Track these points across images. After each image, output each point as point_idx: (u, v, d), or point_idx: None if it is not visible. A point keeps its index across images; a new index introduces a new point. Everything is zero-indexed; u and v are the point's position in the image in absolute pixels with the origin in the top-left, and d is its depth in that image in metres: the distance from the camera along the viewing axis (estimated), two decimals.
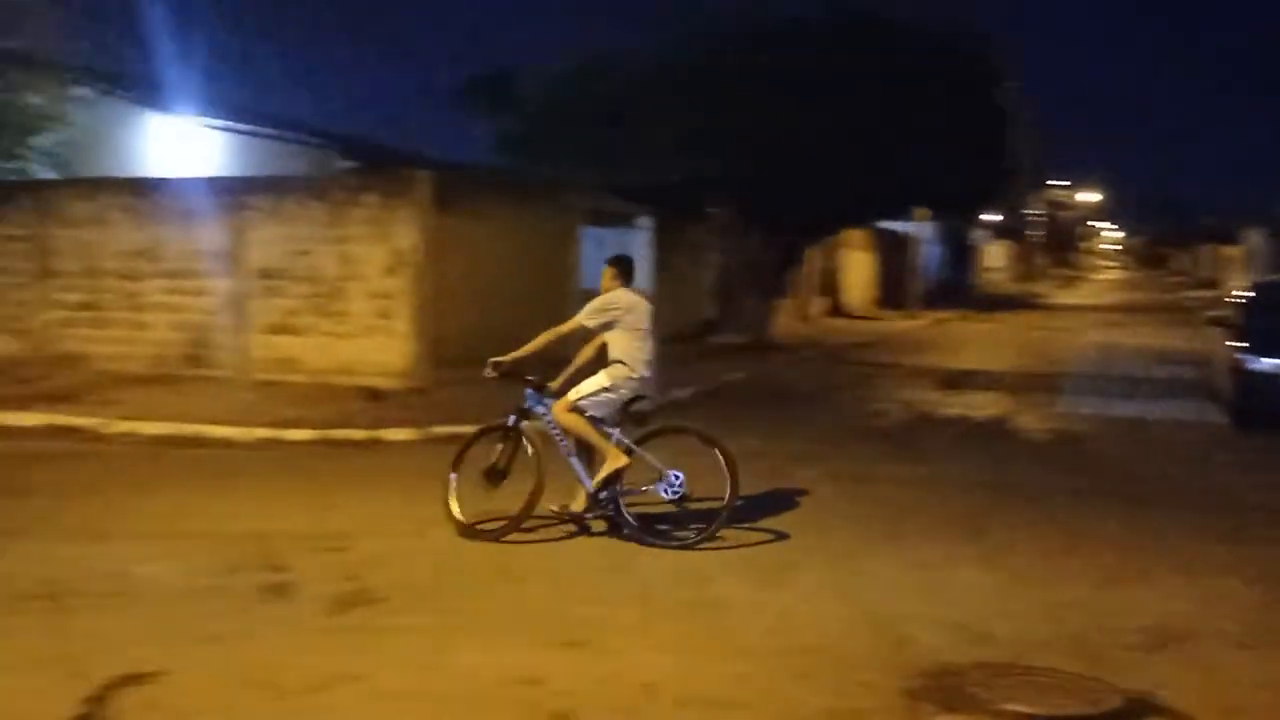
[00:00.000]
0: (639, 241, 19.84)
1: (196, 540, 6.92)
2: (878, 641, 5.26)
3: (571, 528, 7.23)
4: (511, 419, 7.28)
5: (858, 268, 32.75)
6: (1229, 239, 55.16)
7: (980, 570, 6.47)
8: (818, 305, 28.96)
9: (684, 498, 6.98)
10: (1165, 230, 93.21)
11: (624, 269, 7.74)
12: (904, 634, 5.35)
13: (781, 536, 7.21)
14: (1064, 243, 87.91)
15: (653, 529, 7.05)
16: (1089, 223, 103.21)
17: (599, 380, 7.21)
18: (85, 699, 4.44)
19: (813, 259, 27.23)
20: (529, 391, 7.32)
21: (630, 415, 7.24)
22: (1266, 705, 4.54)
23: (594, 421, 7.13)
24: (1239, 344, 12.21)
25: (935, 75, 17.63)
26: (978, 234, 48.90)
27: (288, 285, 13.83)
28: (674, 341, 20.16)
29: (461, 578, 6.27)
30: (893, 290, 33.82)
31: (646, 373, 7.25)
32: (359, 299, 13.55)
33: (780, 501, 8.23)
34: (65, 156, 16.40)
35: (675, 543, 6.89)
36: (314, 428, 10.60)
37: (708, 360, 17.47)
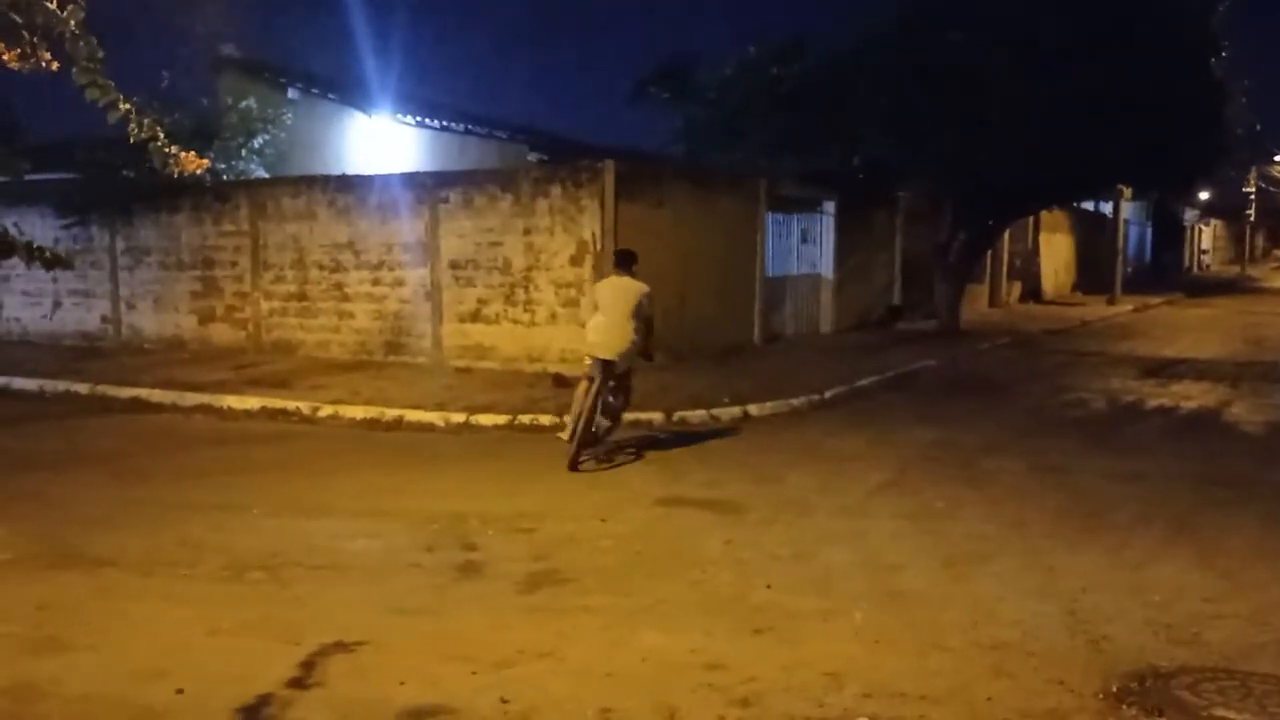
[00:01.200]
0: (823, 227, 19.59)
1: (398, 518, 7.30)
2: (1076, 640, 5.04)
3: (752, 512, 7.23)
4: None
5: (1055, 251, 31.30)
6: None
7: (1188, 569, 6.11)
8: (1012, 291, 27.87)
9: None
10: None
11: (618, 259, 9.55)
12: (1105, 633, 5.10)
13: (973, 528, 7.00)
14: None
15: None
16: None
17: None
18: (298, 663, 4.76)
19: (1007, 242, 26.22)
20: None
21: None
22: None
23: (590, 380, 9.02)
24: None
25: (1148, 44, 16.54)
26: (1189, 214, 45.88)
27: (479, 275, 14.38)
28: (859, 329, 19.87)
29: (645, 561, 6.37)
30: (1093, 274, 32.15)
31: (593, 338, 9.05)
32: (546, 288, 13.93)
33: (971, 492, 7.99)
34: (276, 155, 17.53)
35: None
36: (504, 413, 10.96)
37: (894, 347, 17.09)
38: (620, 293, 9.07)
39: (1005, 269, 27.24)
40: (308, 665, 4.75)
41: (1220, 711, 4.19)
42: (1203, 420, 11.44)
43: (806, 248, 19.35)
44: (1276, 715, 4.18)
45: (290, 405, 11.60)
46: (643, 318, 9.12)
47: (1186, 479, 8.45)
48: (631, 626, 5.25)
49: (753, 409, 11.42)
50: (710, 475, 8.59)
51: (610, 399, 9.19)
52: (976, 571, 6.11)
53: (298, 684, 4.57)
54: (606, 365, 8.97)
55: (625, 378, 9.35)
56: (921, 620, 5.33)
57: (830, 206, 19.54)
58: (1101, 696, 4.39)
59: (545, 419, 10.75)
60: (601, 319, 9.04)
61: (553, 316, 13.91)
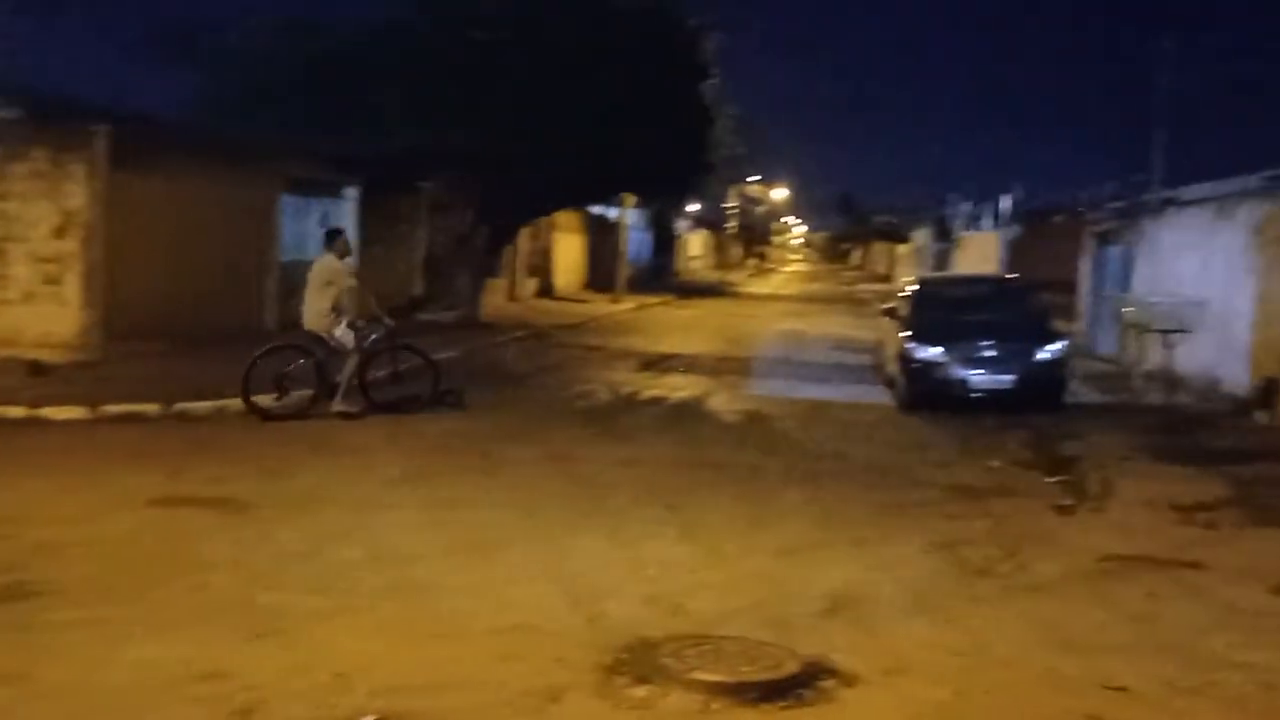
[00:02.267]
0: (344, 212, 19.11)
1: None
2: (577, 618, 5.34)
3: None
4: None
5: (568, 250, 33.20)
6: (901, 238, 60.51)
7: (675, 545, 6.73)
8: (528, 286, 29.11)
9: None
10: (846, 227, 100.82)
11: (325, 237, 11.33)
12: (603, 610, 5.46)
13: (487, 516, 7.18)
14: (757, 235, 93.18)
15: None
16: (780, 218, 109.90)
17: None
18: None
19: (524, 240, 27.31)
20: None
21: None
22: (926, 662, 4.98)
23: None
24: (905, 334, 13.40)
25: (648, 65, 18.05)
26: (680, 223, 50.80)
27: None
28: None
29: (137, 567, 5.79)
30: (600, 274, 34.54)
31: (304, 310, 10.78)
32: (21, 263, 12.22)
33: (487, 480, 8.20)
34: None
35: None
36: None
37: (414, 338, 17.08)
38: (317, 269, 10.77)
39: (524, 265, 28.40)
40: None
41: (698, 674, 4.64)
42: (689, 409, 12.72)
43: None
44: (744, 671, 4.71)
45: None
46: (334, 291, 10.56)
47: (674, 463, 9.33)
48: (118, 640, 4.74)
49: (262, 400, 10.82)
50: (215, 471, 8.03)
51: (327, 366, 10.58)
52: (489, 559, 6.27)
53: None
54: (312, 335, 10.58)
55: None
56: (434, 611, 5.35)
57: (353, 192, 19.14)
58: (597, 669, 4.67)
59: (17, 411, 9.43)
60: (305, 293, 10.78)
61: (30, 295, 12.23)
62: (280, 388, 10.42)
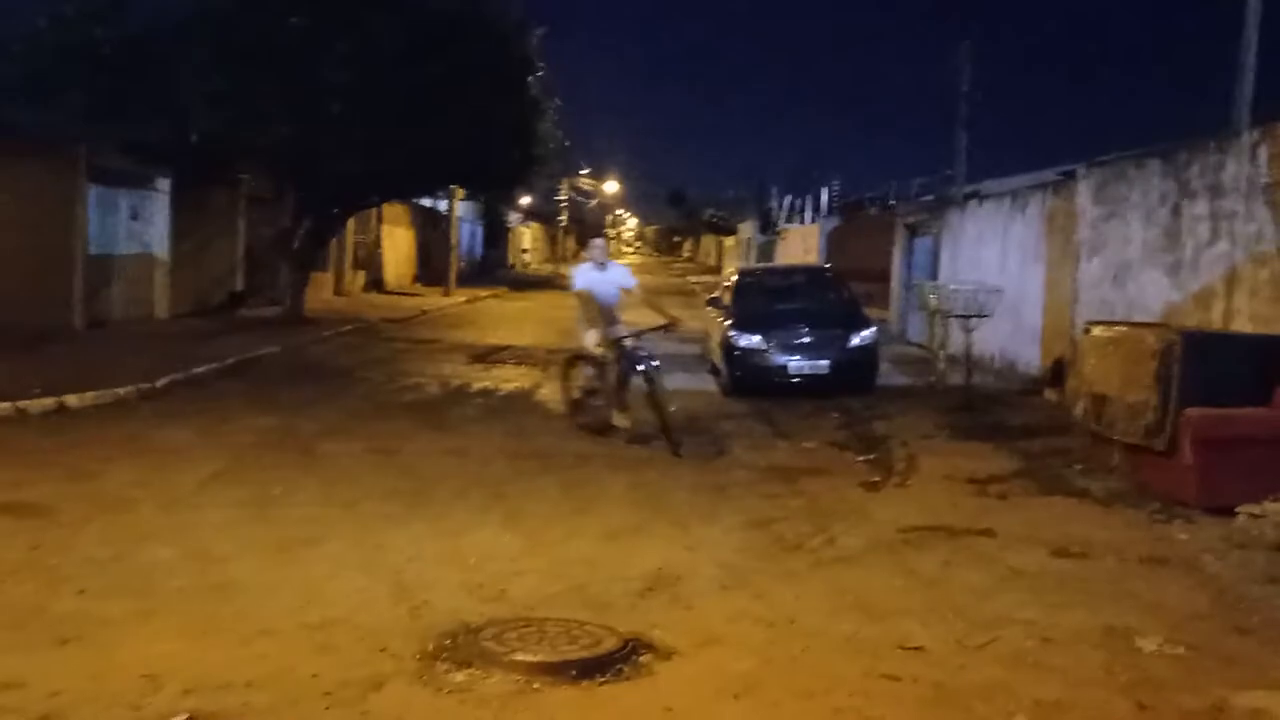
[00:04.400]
0: (156, 206, 18.29)
1: None
2: (399, 608, 5.35)
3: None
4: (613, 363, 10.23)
5: (397, 244, 32.64)
6: (728, 230, 61.99)
7: (499, 533, 6.80)
8: (356, 280, 28.49)
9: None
10: (677, 221, 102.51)
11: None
12: (425, 600, 5.48)
13: (307, 512, 7.07)
14: (589, 228, 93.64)
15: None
16: (612, 211, 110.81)
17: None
18: None
19: (351, 233, 26.72)
20: (629, 345, 10.41)
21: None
22: (735, 636, 5.21)
23: None
24: (728, 323, 13.83)
25: (472, 56, 17.93)
26: (512, 216, 50.62)
27: None
28: (199, 314, 18.90)
29: None
30: (432, 267, 34.11)
31: None
32: None
33: (307, 476, 8.07)
34: None
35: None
36: None
37: (235, 334, 16.56)
38: None
39: (350, 258, 27.78)
40: None
41: (519, 656, 4.74)
42: (518, 400, 12.77)
43: (138, 225, 17.96)
44: (564, 650, 4.84)
45: None
46: None
47: (501, 453, 9.38)
48: None
49: (71, 400, 10.35)
50: (12, 475, 7.63)
51: None
52: (308, 554, 6.19)
53: None
54: None
55: None
56: (248, 609, 5.26)
57: (165, 184, 18.35)
58: (419, 657, 4.71)
59: None
60: None
61: None
62: None
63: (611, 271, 10.73)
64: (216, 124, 16.32)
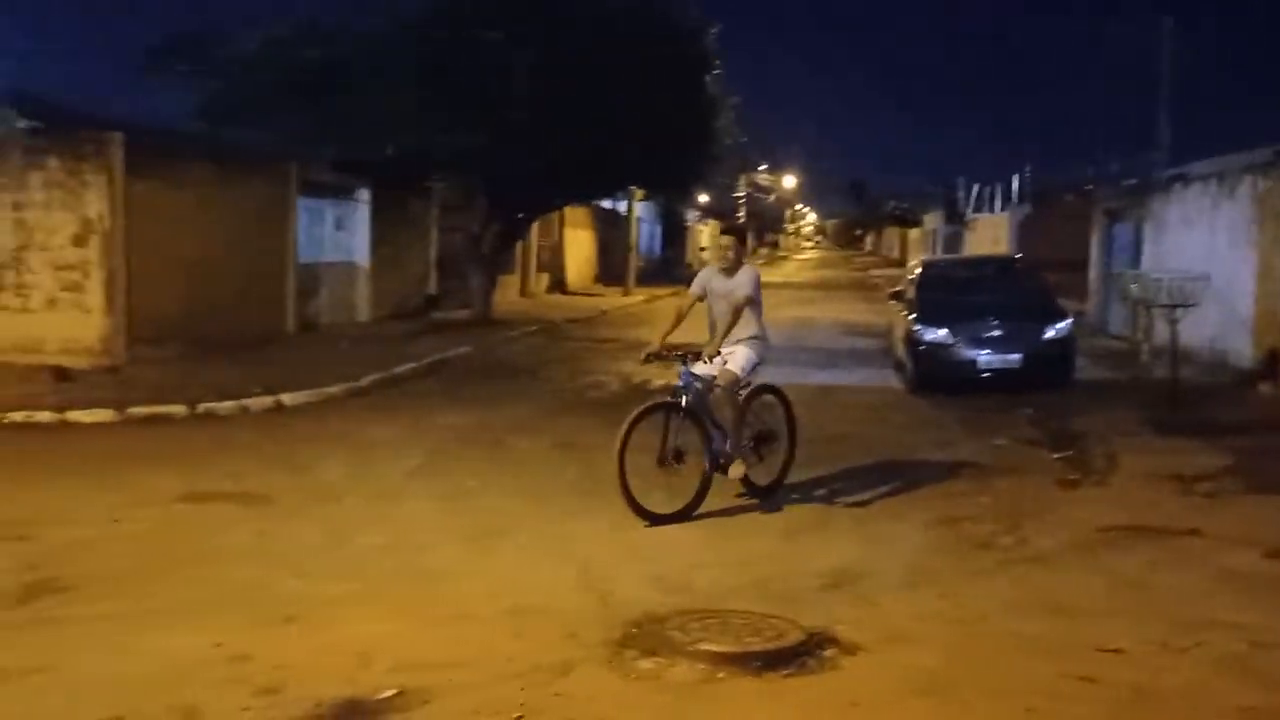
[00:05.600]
0: (358, 216, 19.37)
1: None
2: (587, 598, 5.54)
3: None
4: (683, 399, 7.30)
5: (579, 245, 33.39)
6: (912, 222, 60.43)
7: (680, 527, 6.91)
8: (540, 282, 29.32)
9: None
10: (858, 213, 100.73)
11: (745, 240, 8.35)
12: (610, 590, 5.65)
13: (499, 504, 7.38)
14: (768, 224, 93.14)
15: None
16: (791, 206, 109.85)
17: (750, 352, 7.55)
18: None
19: (535, 236, 27.52)
20: (685, 370, 7.45)
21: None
22: (922, 633, 5.16)
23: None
24: (912, 316, 13.53)
25: (654, 58, 18.19)
26: (690, 214, 50.90)
27: None
28: (397, 317, 19.91)
29: (163, 561, 6.03)
30: (611, 267, 34.72)
31: None
32: (43, 270, 12.50)
33: (498, 470, 8.40)
34: None
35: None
36: None
37: (430, 336, 17.36)
38: None
39: (534, 260, 28.60)
40: None
41: (704, 646, 4.83)
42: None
43: (342, 235, 19.06)
44: (748, 642, 4.90)
45: None
46: None
47: None
48: (146, 629, 4.96)
49: (286, 399, 11.11)
50: (240, 468, 8.27)
51: None
52: (501, 544, 6.48)
53: None
54: None
55: None
56: (448, 594, 5.57)
57: (365, 194, 19.39)
58: (607, 644, 4.87)
59: (44, 416, 9.70)
60: None
61: (52, 302, 12.51)
62: None
63: (740, 277, 7.68)
64: (411, 137, 17.16)
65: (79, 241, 12.41)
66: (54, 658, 4.62)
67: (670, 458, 7.10)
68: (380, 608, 5.33)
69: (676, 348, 7.62)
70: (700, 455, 7.24)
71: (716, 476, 7.31)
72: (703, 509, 7.20)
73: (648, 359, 7.89)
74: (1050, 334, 13.01)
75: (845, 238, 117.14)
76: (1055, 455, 9.31)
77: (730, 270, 7.73)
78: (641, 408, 7.20)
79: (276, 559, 6.09)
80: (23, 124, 15.77)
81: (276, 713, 4.12)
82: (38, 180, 12.47)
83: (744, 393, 7.54)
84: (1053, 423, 10.80)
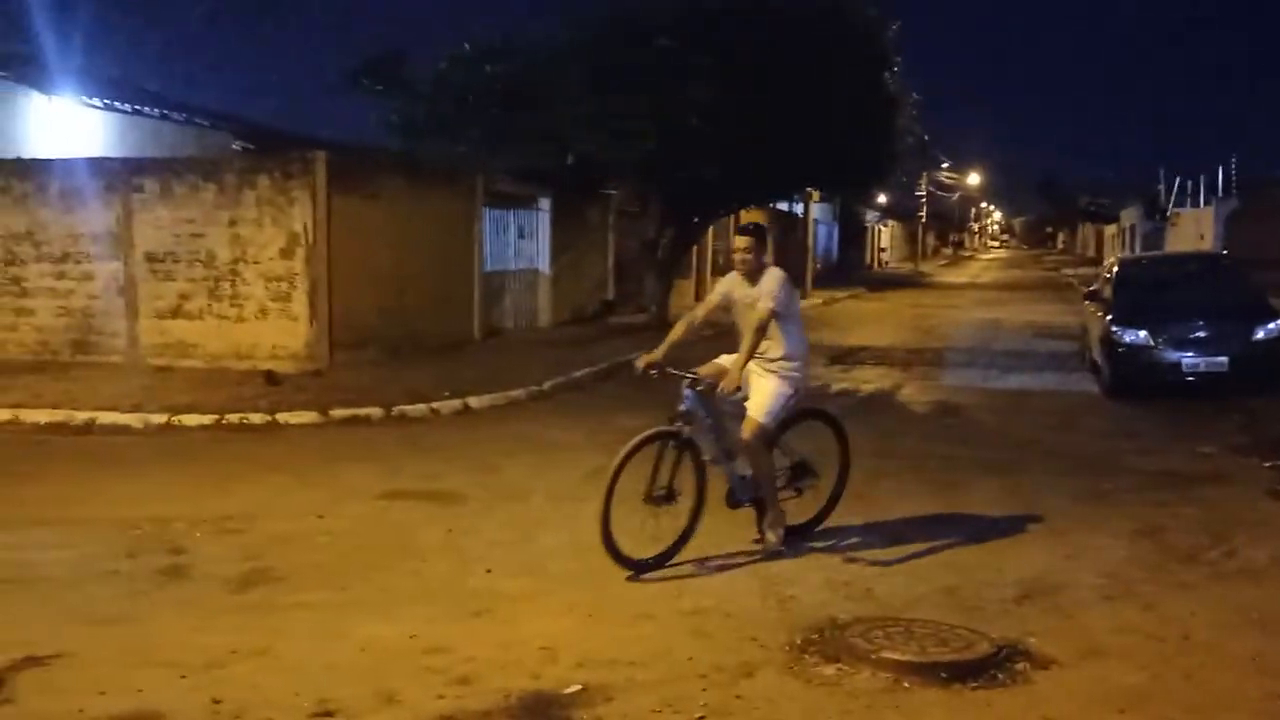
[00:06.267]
0: (539, 223, 19.92)
1: (93, 526, 6.88)
2: (767, 601, 5.54)
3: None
4: (680, 427, 6.18)
5: None
6: (1108, 218, 57.48)
7: (863, 534, 6.81)
8: (715, 285, 29.38)
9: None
10: (1048, 210, 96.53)
11: (765, 239, 6.73)
12: (791, 594, 5.63)
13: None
14: (951, 223, 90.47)
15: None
16: (977, 203, 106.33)
17: (779, 387, 6.40)
18: None
19: (710, 239, 27.61)
20: (690, 393, 6.30)
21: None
22: (1121, 648, 4.93)
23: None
24: (1109, 317, 12.89)
25: (831, 57, 17.98)
26: (870, 215, 50.00)
27: (179, 268, 13.63)
28: (576, 322, 20.37)
29: (364, 554, 6.36)
30: (787, 269, 34.30)
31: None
32: (254, 282, 13.40)
33: None
34: None
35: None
36: (210, 413, 10.48)
37: (607, 340, 17.67)
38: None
39: (710, 265, 28.70)
40: None
41: (888, 654, 4.75)
42: (879, 401, 12.66)
43: (524, 243, 19.62)
44: (933, 652, 4.79)
45: None
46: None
47: (864, 454, 9.32)
48: (349, 618, 5.26)
49: (473, 401, 11.53)
50: (431, 467, 8.64)
51: None
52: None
53: None
54: None
55: None
56: (628, 593, 5.67)
57: (546, 203, 19.91)
58: (787, 648, 4.87)
59: (257, 418, 10.38)
60: None
61: (263, 311, 13.40)
62: None
63: (762, 285, 6.47)
64: (590, 145, 17.53)
65: (286, 254, 13.25)
66: (271, 641, 4.96)
67: (658, 495, 6.03)
68: (563, 604, 5.48)
69: (678, 366, 6.50)
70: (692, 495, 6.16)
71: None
72: (892, 516, 7.07)
73: (646, 371, 6.61)
74: (1260, 335, 12.16)
75: (1035, 236, 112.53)
76: (1268, 464, 8.69)
77: (752, 276, 6.48)
78: (638, 439, 6.10)
79: (466, 555, 6.35)
80: (237, 145, 17.00)
81: (469, 703, 4.31)
82: (250, 198, 13.38)
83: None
84: (1265, 429, 10.09)
